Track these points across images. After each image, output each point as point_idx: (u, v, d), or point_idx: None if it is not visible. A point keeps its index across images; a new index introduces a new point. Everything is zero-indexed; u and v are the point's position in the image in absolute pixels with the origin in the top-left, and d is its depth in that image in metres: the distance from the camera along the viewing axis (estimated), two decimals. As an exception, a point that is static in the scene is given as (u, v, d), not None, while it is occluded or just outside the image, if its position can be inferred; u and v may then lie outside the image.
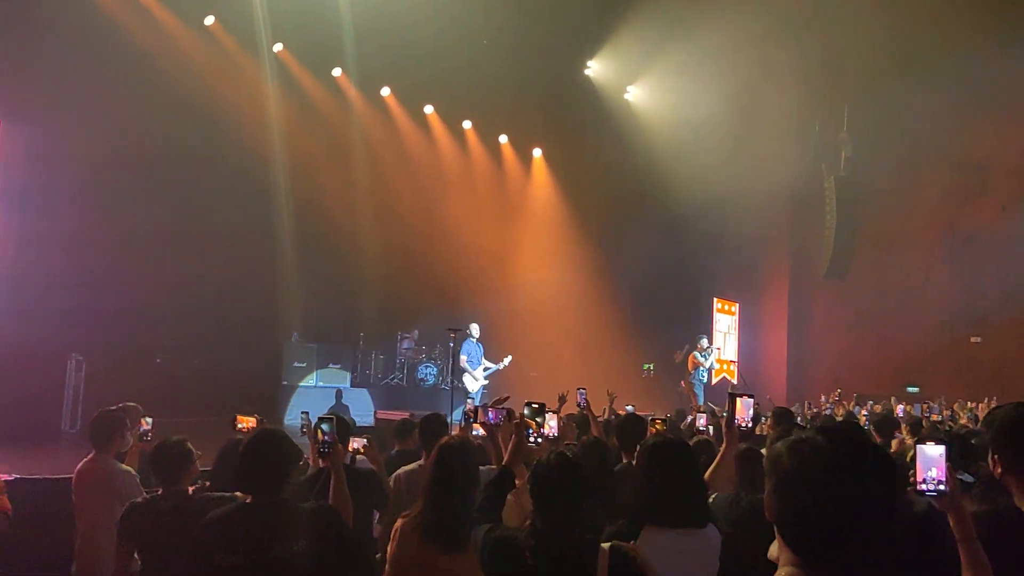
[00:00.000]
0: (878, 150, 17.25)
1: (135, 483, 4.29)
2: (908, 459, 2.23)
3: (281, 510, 2.90)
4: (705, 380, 13.51)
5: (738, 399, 3.61)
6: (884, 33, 15.50)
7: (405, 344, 15.11)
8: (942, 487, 2.17)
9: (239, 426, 4.99)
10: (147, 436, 4.70)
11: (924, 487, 2.29)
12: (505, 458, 3.08)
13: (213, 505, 3.17)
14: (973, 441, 4.89)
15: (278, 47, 14.44)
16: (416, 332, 15.22)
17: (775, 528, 1.36)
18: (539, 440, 3.12)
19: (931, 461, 2.39)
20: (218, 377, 12.18)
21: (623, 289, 16.77)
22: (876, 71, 16.25)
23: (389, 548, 3.16)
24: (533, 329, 15.21)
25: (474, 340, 11.83)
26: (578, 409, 5.98)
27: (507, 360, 11.64)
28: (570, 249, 17.33)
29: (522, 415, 3.19)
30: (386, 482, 4.32)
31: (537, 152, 18.19)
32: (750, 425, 3.57)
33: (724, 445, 3.61)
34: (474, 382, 11.57)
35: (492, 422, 4.00)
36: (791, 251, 20.22)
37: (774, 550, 1.41)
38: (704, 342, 13.63)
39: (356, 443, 4.49)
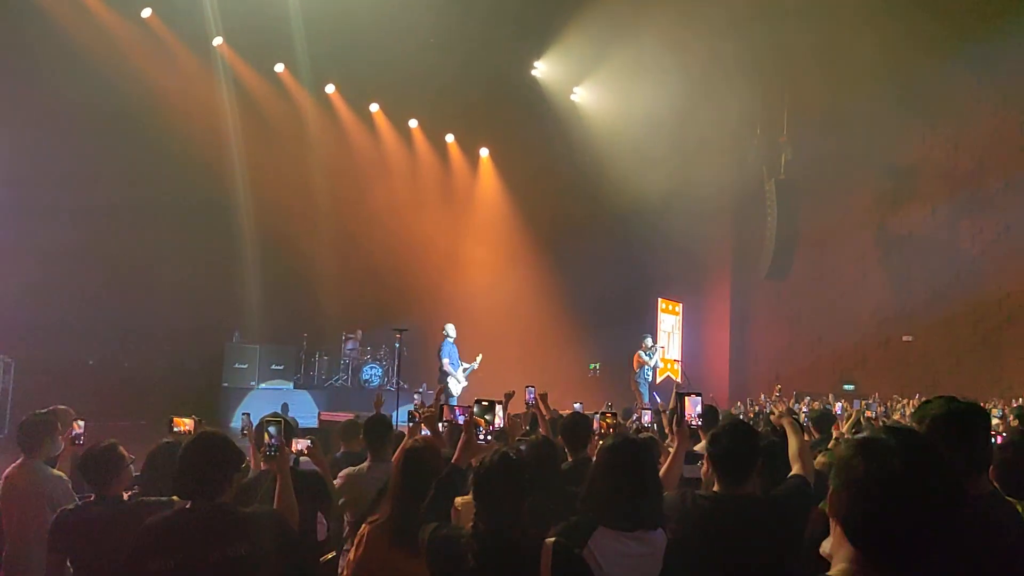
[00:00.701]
0: (816, 154, 17.73)
1: (66, 489, 4.17)
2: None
3: (222, 515, 2.82)
4: (650, 379, 13.67)
5: (686, 397, 3.65)
6: (822, 40, 15.94)
7: (349, 345, 14.95)
8: None
9: (176, 429, 4.85)
10: (79, 440, 4.54)
11: None
12: (454, 456, 3.06)
13: (149, 511, 3.07)
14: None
15: (218, 41, 14.11)
16: (360, 333, 15.08)
17: (838, 525, 1.38)
18: (489, 438, 3.10)
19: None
20: (155, 379, 11.87)
21: (569, 288, 16.87)
22: (814, 77, 16.70)
23: (353, 553, 3.11)
24: (480, 328, 15.19)
25: (451, 341, 11.77)
26: (527, 407, 5.99)
27: (479, 359, 11.65)
28: (517, 249, 17.36)
29: (471, 413, 3.17)
30: (331, 484, 4.26)
31: (484, 152, 18.18)
32: (699, 423, 3.62)
33: (675, 444, 3.63)
34: (457, 384, 11.52)
35: (457, 420, 4.00)
36: (733, 252, 20.64)
37: (827, 546, 1.43)
38: (648, 341, 13.78)
39: (300, 444, 4.41)
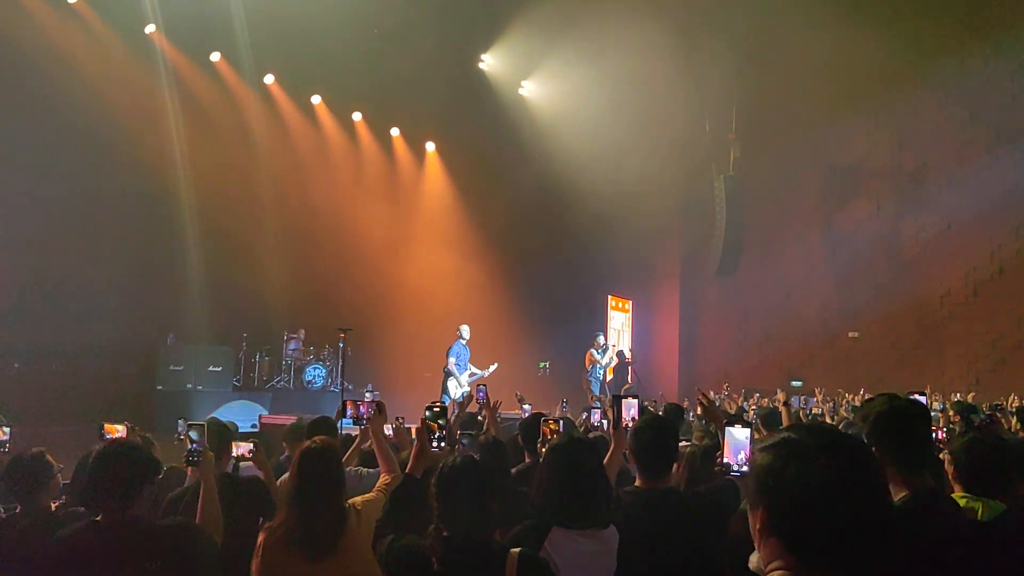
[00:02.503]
0: (763, 152, 18.12)
1: (-11, 500, 4.00)
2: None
3: (134, 528, 2.76)
4: (601, 377, 13.80)
5: (623, 400, 3.78)
6: (767, 36, 16.30)
7: (292, 345, 14.77)
8: (745, 468, 2.34)
9: (107, 436, 4.72)
10: (4, 448, 4.40)
11: (732, 467, 2.94)
12: (408, 465, 3.06)
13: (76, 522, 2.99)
14: (850, 432, 5.19)
15: (150, 28, 13.74)
16: (303, 332, 14.91)
17: (762, 533, 1.37)
18: (442, 444, 3.10)
19: (739, 444, 3.01)
20: (85, 382, 11.52)
21: (519, 286, 16.93)
22: (762, 74, 17.06)
23: (253, 564, 3.08)
24: (426, 328, 15.15)
25: (463, 343, 11.71)
26: (478, 406, 6.04)
27: (493, 367, 11.62)
28: (465, 246, 17.33)
29: (423, 419, 3.16)
30: (274, 489, 4.19)
31: (430, 146, 18.10)
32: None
33: (612, 445, 3.73)
34: (457, 388, 11.47)
35: (363, 415, 4.04)
36: (683, 248, 20.95)
37: (755, 560, 1.43)
38: (600, 339, 13.94)
39: (241, 448, 4.34)
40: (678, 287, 21.04)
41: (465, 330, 11.80)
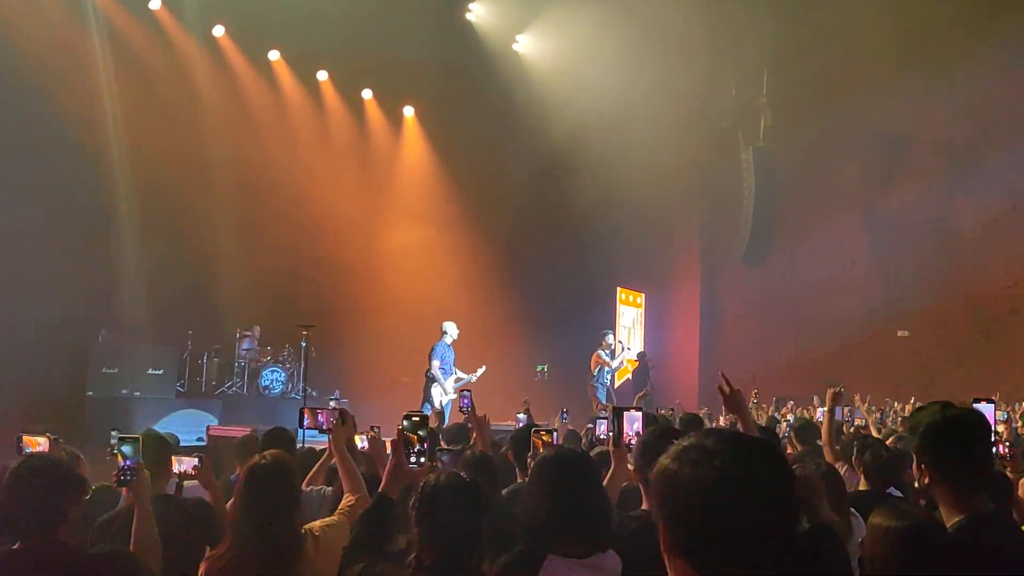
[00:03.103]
0: (799, 120, 18.09)
1: None
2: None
3: (57, 557, 2.75)
4: (608, 383, 13.82)
5: (625, 413, 3.78)
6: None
7: (245, 344, 14.75)
8: None
9: (26, 449, 4.69)
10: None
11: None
12: (382, 484, 3.06)
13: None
14: (899, 446, 5.20)
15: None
16: (257, 329, 14.89)
17: (668, 553, 1.43)
18: (422, 460, 3.10)
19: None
20: (2, 387, 11.45)
21: (512, 276, 16.96)
22: (798, 29, 17.01)
23: None
24: (405, 325, 15.14)
25: (448, 343, 11.67)
26: (463, 414, 6.04)
27: (481, 370, 11.63)
28: (449, 229, 17.33)
29: (400, 430, 3.15)
30: (223, 512, 4.18)
31: (408, 111, 18.05)
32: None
33: (612, 465, 3.73)
34: (443, 396, 11.47)
35: (323, 427, 4.03)
36: (705, 233, 20.97)
37: None
38: (609, 338, 13.95)
39: (184, 465, 4.33)
40: (699, 278, 21.07)
41: (451, 328, 11.77)
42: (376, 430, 5.60)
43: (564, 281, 17.40)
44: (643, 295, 19.91)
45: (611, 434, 3.75)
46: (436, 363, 11.51)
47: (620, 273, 19.12)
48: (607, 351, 13.78)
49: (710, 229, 20.87)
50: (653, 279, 20.10)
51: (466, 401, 5.95)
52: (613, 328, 16.91)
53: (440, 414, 10.27)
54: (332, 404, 8.16)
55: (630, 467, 3.60)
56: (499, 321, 16.39)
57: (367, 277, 16.49)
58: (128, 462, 3.35)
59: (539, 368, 15.68)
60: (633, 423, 3.78)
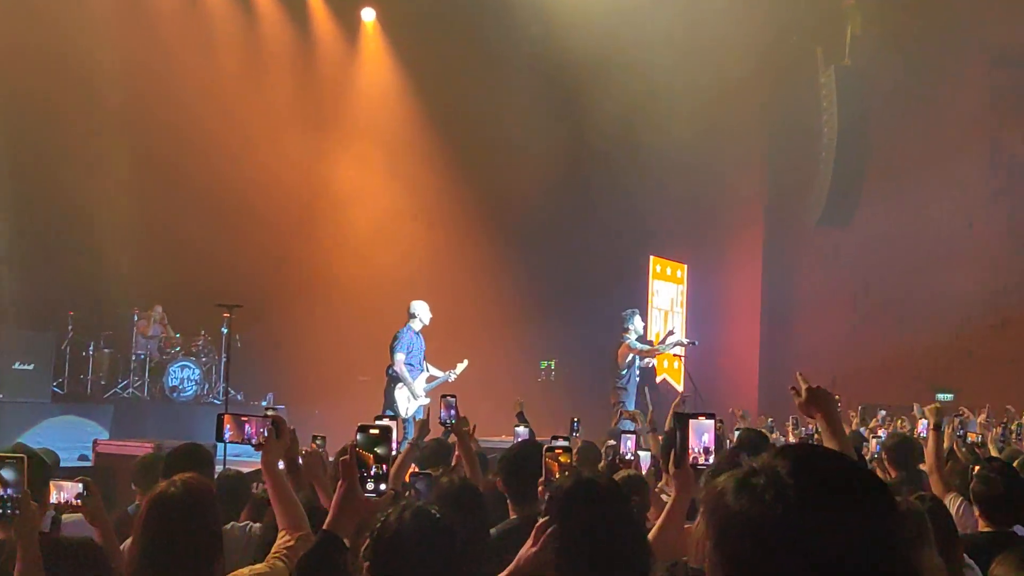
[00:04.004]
0: (898, 31, 17.99)
1: None
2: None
3: None
4: (638, 380, 13.71)
5: (691, 421, 3.70)
6: None
7: (151, 330, 14.79)
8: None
9: None
10: None
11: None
12: (328, 518, 3.03)
13: None
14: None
15: None
16: (160, 311, 14.91)
17: None
18: (382, 488, 3.06)
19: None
20: None
21: (507, 243, 16.97)
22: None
23: None
24: (362, 304, 15.13)
25: (416, 330, 11.61)
26: (443, 427, 6.02)
27: (461, 366, 11.61)
28: (423, 179, 17.30)
29: (352, 446, 3.11)
30: (116, 555, 4.18)
31: (368, 15, 18.00)
32: (707, 463, 3.66)
33: (673, 494, 3.67)
34: (410, 400, 11.44)
35: (254, 441, 4.00)
36: (769, 185, 20.90)
37: None
38: (636, 321, 13.81)
39: (64, 492, 4.32)
40: (760, 245, 21.05)
41: (421, 310, 11.72)
42: (319, 443, 5.58)
43: (578, 249, 17.35)
44: (685, 268, 19.88)
45: (672, 450, 3.68)
46: (400, 357, 11.46)
47: (654, 238, 19.10)
48: (636, 337, 13.67)
49: (776, 179, 20.81)
50: (699, 247, 20.07)
51: (450, 410, 5.92)
52: (644, 311, 16.85)
53: (428, 425, 10.25)
54: (264, 411, 8.14)
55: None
56: (489, 302, 16.38)
57: (311, 241, 16.44)
58: (8, 491, 3.33)
59: (544, 365, 15.72)
60: (702, 435, 3.72)
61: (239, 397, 13.90)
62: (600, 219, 17.83)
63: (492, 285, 16.55)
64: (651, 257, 18.96)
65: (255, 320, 13.57)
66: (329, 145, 17.38)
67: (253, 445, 4.39)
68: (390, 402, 11.45)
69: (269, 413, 7.67)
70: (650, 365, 14.32)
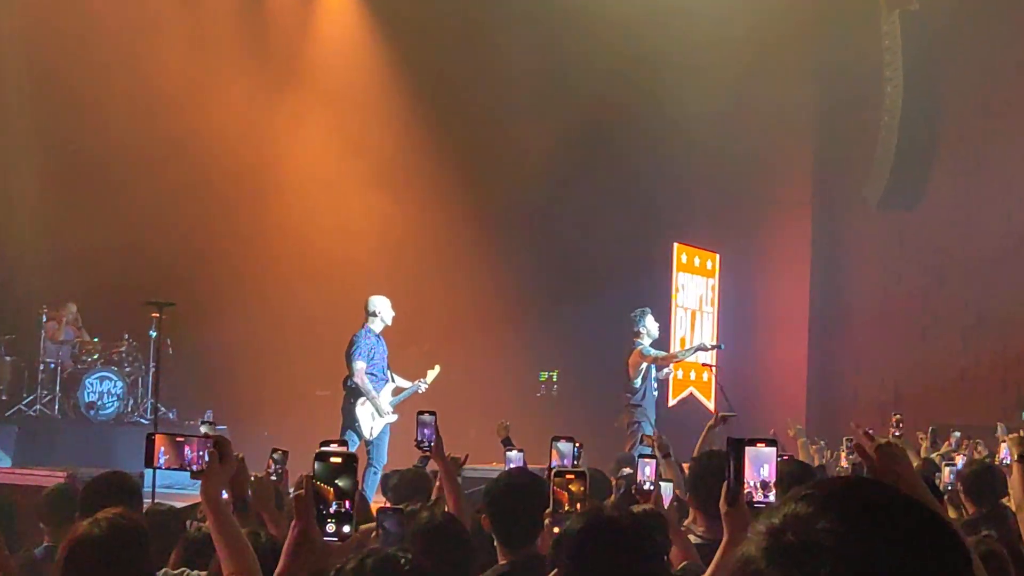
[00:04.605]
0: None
1: None
2: None
3: None
4: (656, 394, 13.68)
5: (746, 448, 3.65)
6: None
7: (63, 334, 14.77)
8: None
9: None
10: None
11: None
12: (280, 564, 3.04)
13: None
14: None
15: None
16: (75, 309, 14.90)
17: None
18: (345, 530, 3.06)
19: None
20: None
21: (500, 228, 17.02)
22: None
23: None
24: (323, 305, 15.13)
25: (376, 332, 11.68)
26: (418, 448, 6.01)
27: (433, 374, 11.72)
28: (399, 153, 17.32)
29: (308, 479, 3.12)
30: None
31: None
32: (767, 500, 3.64)
33: (724, 538, 3.67)
34: (375, 418, 11.45)
35: (194, 467, 3.99)
36: (819, 158, 20.88)
37: None
38: (648, 322, 13.78)
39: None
40: (808, 232, 21.02)
41: (382, 307, 11.73)
42: (276, 458, 5.58)
43: (586, 235, 17.33)
44: (717, 258, 19.87)
45: (727, 482, 3.66)
46: (360, 365, 11.47)
47: (680, 222, 19.12)
48: (650, 342, 13.62)
49: (827, 151, 20.79)
50: (734, 232, 20.07)
51: (427, 431, 5.91)
52: (669, 308, 16.86)
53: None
54: (203, 431, 8.12)
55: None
56: (476, 300, 16.40)
57: (260, 227, 16.43)
58: None
59: (543, 377, 15.73)
60: (760, 467, 3.68)
61: (171, 415, 13.90)
62: (613, 198, 17.82)
63: (479, 279, 16.57)
64: (675, 245, 18.93)
65: (191, 321, 13.58)
66: (281, 111, 17.36)
67: (193, 472, 4.37)
68: (351, 421, 11.47)
69: (206, 432, 7.68)
70: (669, 376, 14.28)
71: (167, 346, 13.00)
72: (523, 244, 16.98)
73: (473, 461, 7.53)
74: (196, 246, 15.35)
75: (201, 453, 4.03)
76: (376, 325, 11.65)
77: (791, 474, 6.32)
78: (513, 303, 16.59)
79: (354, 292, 13.18)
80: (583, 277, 17.03)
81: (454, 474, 5.44)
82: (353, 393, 11.50)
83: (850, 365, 20.50)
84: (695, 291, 19.27)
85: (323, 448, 3.27)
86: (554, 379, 15.51)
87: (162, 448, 4.47)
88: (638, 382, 13.23)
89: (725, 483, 3.63)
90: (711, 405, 16.36)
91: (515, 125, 16.74)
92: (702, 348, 14.42)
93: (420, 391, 11.54)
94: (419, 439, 5.92)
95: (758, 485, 3.59)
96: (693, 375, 17.35)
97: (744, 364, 18.97)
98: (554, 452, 6.04)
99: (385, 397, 11.54)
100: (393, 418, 11.53)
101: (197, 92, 16.17)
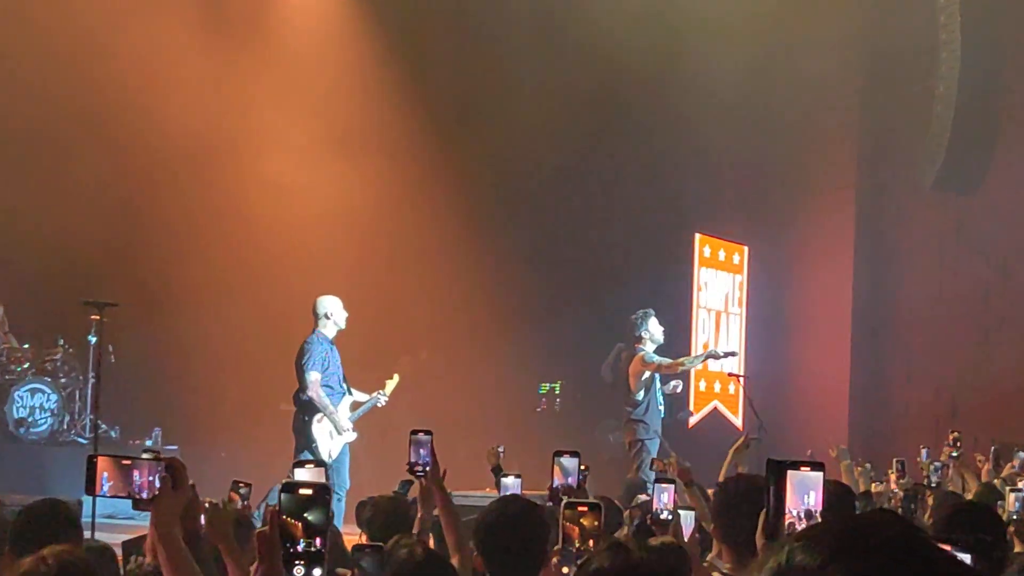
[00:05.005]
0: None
1: None
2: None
3: None
4: (663, 411, 13.65)
5: (790, 472, 3.65)
6: None
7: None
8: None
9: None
10: None
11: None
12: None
13: None
14: None
15: None
16: (0, 311, 14.88)
17: None
18: (316, 573, 3.07)
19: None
20: None
21: (493, 217, 17.04)
22: None
23: None
24: (286, 305, 15.14)
25: (329, 338, 11.73)
26: (411, 471, 5.98)
27: (392, 383, 11.82)
28: (373, 125, 17.33)
29: (274, 512, 3.12)
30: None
31: None
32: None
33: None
34: (336, 439, 11.49)
35: (143, 496, 3.99)
36: (861, 135, 20.91)
37: None
38: (650, 324, 13.76)
39: None
40: (851, 220, 21.04)
41: (333, 309, 11.79)
42: (242, 493, 5.58)
43: (590, 223, 17.37)
44: (745, 251, 19.90)
45: (765, 511, 3.67)
46: (315, 376, 11.50)
47: (702, 210, 19.15)
48: (652, 348, 13.60)
49: (875, 127, 20.82)
50: (765, 221, 20.11)
51: (423, 452, 5.86)
52: (690, 308, 16.88)
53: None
54: (145, 457, 8.11)
55: None
56: (463, 301, 16.41)
57: (214, 216, 16.44)
58: None
59: (544, 390, 15.76)
60: (806, 494, 3.69)
61: (113, 434, 13.90)
62: (625, 180, 17.88)
63: (467, 273, 16.57)
64: (697, 235, 18.97)
65: (136, 323, 13.60)
66: (239, 77, 17.37)
67: (141, 501, 4.32)
68: (307, 442, 11.49)
69: (149, 455, 7.64)
70: (677, 389, 14.22)
71: (108, 353, 12.96)
72: (519, 232, 16.98)
73: (463, 487, 7.55)
74: (141, 235, 15.32)
75: (152, 478, 4.02)
76: (329, 330, 11.69)
77: (831, 497, 6.36)
78: (507, 303, 16.56)
79: (324, 287, 13.16)
80: (589, 273, 17.06)
81: (453, 505, 5.41)
82: (307, 409, 11.51)
83: (900, 374, 20.52)
84: (720, 289, 19.30)
85: (294, 470, 3.26)
86: (556, 392, 15.53)
87: (105, 473, 4.43)
88: (640, 394, 13.24)
89: (763, 512, 3.64)
90: (739, 421, 16.39)
91: (511, 91, 16.75)
92: (713, 356, 14.45)
93: (380, 404, 11.60)
94: (413, 462, 5.85)
95: (802, 515, 3.57)
96: (718, 387, 17.40)
97: (777, 373, 19.02)
98: (557, 469, 5.95)
99: (343, 412, 11.60)
100: (352, 436, 11.59)
101: (139, 58, 16.15)
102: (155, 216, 15.80)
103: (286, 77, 17.48)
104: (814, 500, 3.59)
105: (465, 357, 15.41)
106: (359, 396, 11.75)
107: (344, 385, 11.75)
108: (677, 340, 15.19)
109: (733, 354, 14.96)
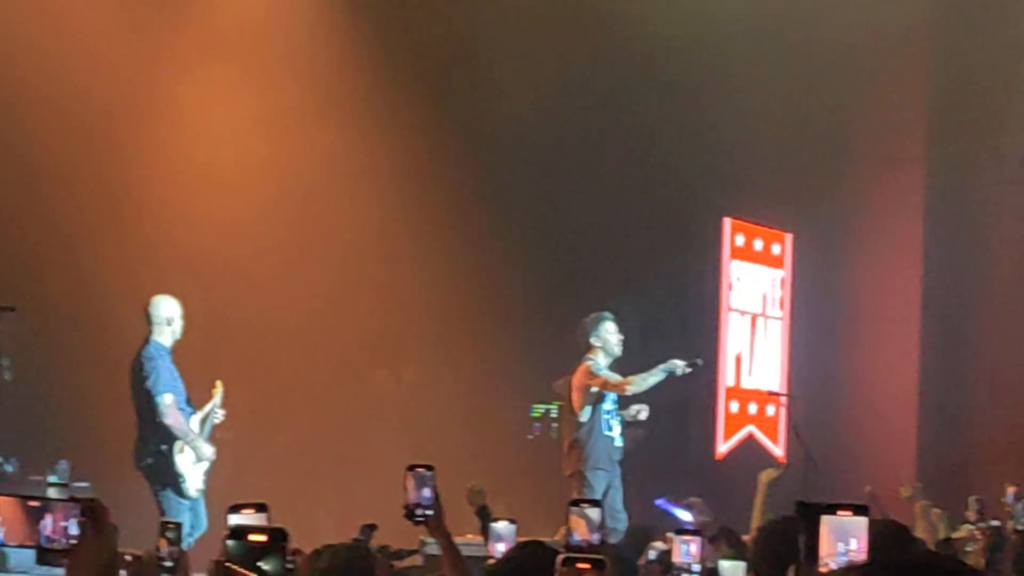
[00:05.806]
0: None
1: None
2: None
3: None
4: (615, 437, 13.48)
5: (822, 517, 3.77)
6: None
7: None
8: None
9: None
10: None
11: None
12: None
13: None
14: None
15: None
16: None
17: None
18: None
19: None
20: None
21: (480, 203, 17.23)
22: None
23: None
24: (238, 304, 15.29)
25: (167, 348, 12.00)
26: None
27: (218, 392, 12.11)
28: (351, 92, 17.56)
29: (219, 564, 3.23)
30: None
31: None
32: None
33: None
34: (197, 463, 11.65)
35: (54, 545, 4.08)
36: (930, 100, 20.97)
37: None
38: (606, 329, 13.69)
39: None
40: (920, 201, 21.09)
41: (171, 309, 11.97)
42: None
43: (598, 208, 17.50)
44: (788, 239, 19.98)
45: (795, 568, 3.82)
46: (169, 399, 11.65)
47: (732, 189, 19.29)
48: (605, 360, 13.50)
49: (947, 90, 20.87)
50: (811, 203, 20.16)
51: (427, 493, 5.79)
52: (717, 309, 17.04)
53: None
54: (51, 493, 8.22)
55: None
56: (450, 302, 16.50)
57: (138, 203, 16.57)
58: None
59: (538, 412, 15.87)
60: (846, 540, 3.80)
61: (9, 467, 14.03)
62: (640, 156, 17.99)
63: (457, 273, 16.72)
64: (726, 220, 19.04)
65: (40, 333, 13.73)
66: (171, 49, 17.52)
67: (44, 553, 4.37)
68: (173, 477, 11.62)
69: (55, 493, 7.76)
70: (640, 416, 14.00)
71: (3, 368, 13.11)
72: (513, 221, 17.13)
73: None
74: (49, 227, 15.46)
75: (65, 524, 4.13)
76: (166, 337, 11.86)
77: (885, 539, 6.50)
78: (504, 308, 16.72)
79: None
80: (593, 269, 17.17)
81: (457, 550, 5.53)
82: (162, 438, 11.63)
83: (983, 387, 20.53)
84: (756, 287, 19.33)
85: (236, 516, 3.37)
86: (552, 414, 15.58)
87: (6, 516, 4.55)
88: (585, 414, 13.16)
89: (793, 567, 3.80)
90: (779, 451, 16.51)
91: (509, 56, 16.89)
92: (670, 371, 13.91)
93: (217, 420, 11.76)
94: (413, 503, 5.82)
95: (841, 558, 3.64)
96: (753, 409, 17.45)
97: (827, 391, 19.11)
98: (574, 520, 5.76)
99: (196, 429, 11.77)
100: (212, 457, 11.74)
101: (60, 28, 16.33)
102: (68, 202, 15.91)
103: (227, 51, 17.66)
104: (857, 546, 3.69)
105: (439, 370, 15.55)
106: (192, 411, 11.94)
107: (188, 404, 12.00)
108: (703, 351, 15.26)
109: (697, 365, 14.37)
